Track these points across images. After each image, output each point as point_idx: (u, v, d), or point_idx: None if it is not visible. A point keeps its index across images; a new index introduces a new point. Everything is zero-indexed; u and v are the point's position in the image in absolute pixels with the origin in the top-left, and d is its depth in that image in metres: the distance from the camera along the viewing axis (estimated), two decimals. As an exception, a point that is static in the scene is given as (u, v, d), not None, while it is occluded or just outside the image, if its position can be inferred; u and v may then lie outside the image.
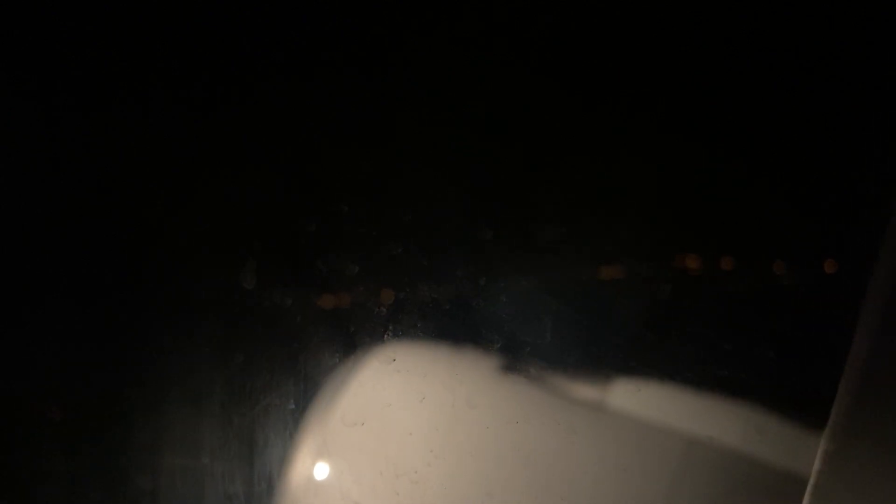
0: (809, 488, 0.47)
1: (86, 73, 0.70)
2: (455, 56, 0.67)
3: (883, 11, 0.54)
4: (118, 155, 0.72)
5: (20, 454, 0.75)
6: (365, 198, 0.69)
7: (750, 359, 0.63)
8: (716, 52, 0.62)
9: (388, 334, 0.67)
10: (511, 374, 0.65)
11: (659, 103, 0.65)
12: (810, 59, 0.60)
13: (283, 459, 0.70)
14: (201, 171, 0.72)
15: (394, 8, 0.67)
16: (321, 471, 0.68)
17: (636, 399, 0.64)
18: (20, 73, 0.69)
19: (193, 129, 0.71)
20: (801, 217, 0.62)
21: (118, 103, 0.71)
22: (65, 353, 0.74)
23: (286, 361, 0.70)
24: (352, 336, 0.68)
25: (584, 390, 0.65)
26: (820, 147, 0.61)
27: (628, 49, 0.64)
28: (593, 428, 0.64)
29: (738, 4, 0.61)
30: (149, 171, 0.72)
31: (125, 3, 0.68)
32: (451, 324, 0.66)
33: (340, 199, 0.69)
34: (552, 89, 0.66)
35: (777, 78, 0.61)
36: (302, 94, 0.70)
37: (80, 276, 0.74)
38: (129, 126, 0.71)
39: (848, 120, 0.59)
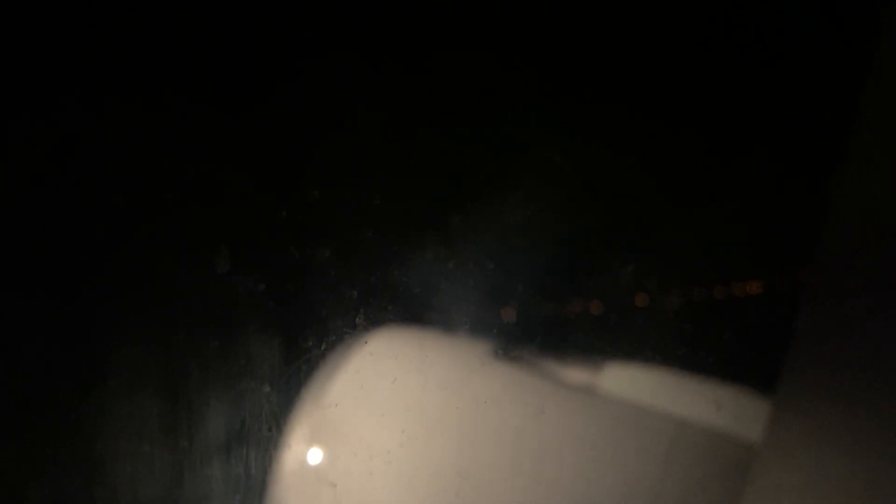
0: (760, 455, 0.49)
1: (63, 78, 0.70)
2: (426, 54, 0.68)
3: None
4: (104, 159, 0.73)
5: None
6: (335, 184, 0.70)
7: (719, 345, 0.65)
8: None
9: (359, 318, 0.68)
10: (480, 356, 0.67)
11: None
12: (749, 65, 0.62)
13: (259, 442, 0.71)
14: (176, 165, 0.73)
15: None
16: (296, 453, 0.69)
17: (603, 380, 0.66)
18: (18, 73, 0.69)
19: (170, 128, 0.71)
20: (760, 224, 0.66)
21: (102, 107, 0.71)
22: (41, 346, 0.75)
23: (261, 346, 0.71)
24: (325, 320, 0.69)
25: (551, 371, 0.67)
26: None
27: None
28: (560, 407, 0.66)
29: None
30: (126, 169, 0.73)
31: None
32: (422, 307, 0.67)
33: (311, 186, 0.70)
34: (518, 83, 0.68)
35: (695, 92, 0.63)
36: (275, 93, 0.71)
37: (58, 269, 0.74)
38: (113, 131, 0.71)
39: (780, 131, 0.62)
